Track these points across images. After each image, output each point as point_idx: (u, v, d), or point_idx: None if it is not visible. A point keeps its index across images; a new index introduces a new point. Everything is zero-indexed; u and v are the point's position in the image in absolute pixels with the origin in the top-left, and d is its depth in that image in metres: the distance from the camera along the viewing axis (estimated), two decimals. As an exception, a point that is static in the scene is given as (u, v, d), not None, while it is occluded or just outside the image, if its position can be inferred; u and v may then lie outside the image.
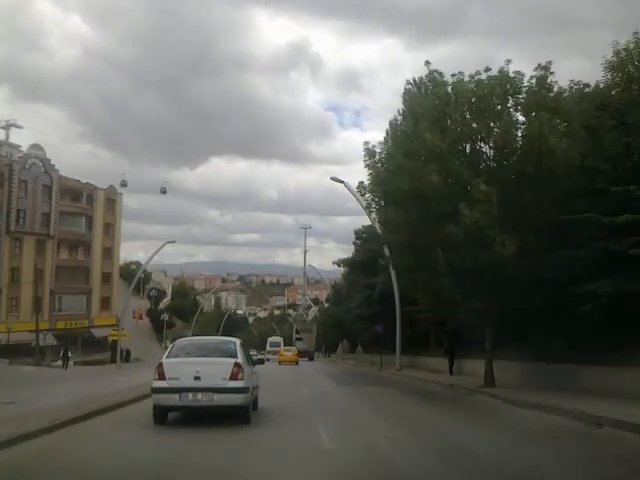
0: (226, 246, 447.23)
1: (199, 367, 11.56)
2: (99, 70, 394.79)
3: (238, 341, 13.59)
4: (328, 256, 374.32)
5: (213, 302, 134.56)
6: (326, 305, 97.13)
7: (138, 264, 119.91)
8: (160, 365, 11.82)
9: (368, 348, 56.16)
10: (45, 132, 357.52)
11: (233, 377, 11.56)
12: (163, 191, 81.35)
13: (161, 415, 11.86)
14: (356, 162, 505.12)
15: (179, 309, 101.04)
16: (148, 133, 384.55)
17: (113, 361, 53.07)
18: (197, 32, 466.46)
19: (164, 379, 11.56)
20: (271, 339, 78.54)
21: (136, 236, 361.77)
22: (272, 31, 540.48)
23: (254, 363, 14.96)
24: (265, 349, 73.10)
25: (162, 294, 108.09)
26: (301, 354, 69.80)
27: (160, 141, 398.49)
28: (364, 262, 49.55)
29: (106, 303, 77.06)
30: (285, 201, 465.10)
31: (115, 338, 51.93)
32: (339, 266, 61.43)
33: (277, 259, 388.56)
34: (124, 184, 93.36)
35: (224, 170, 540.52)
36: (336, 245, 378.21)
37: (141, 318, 74.69)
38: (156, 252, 54.35)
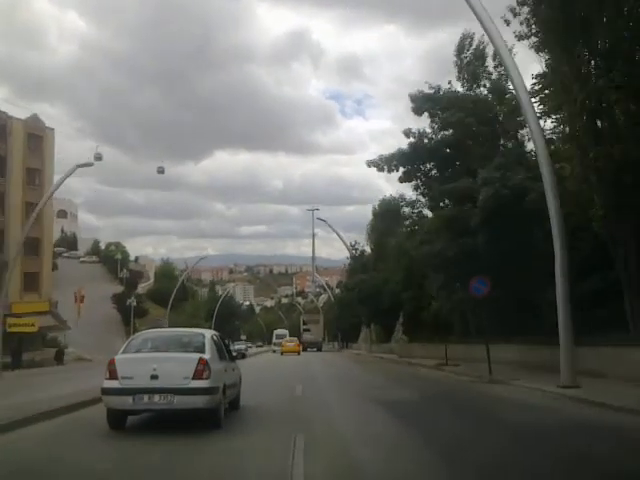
0: (234, 239, 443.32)
1: (157, 364, 9.86)
2: (99, 66, 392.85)
3: (210, 333, 11.84)
4: (336, 246, 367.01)
5: (208, 288, 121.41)
6: (336, 292, 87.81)
7: (119, 245, 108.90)
8: (111, 362, 10.13)
9: (422, 332, 36.28)
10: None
11: (197, 376, 9.81)
12: (160, 171, 72.23)
13: (116, 419, 10.17)
14: (360, 151, 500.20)
15: (162, 294, 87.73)
16: (150, 128, 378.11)
17: (58, 360, 40.49)
18: (197, 24, 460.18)
19: (116, 378, 9.89)
20: (277, 331, 78.94)
21: (144, 231, 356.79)
22: (272, 21, 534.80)
23: (234, 358, 13.17)
24: (272, 341, 74.17)
25: (137, 276, 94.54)
26: (309, 345, 70.56)
27: (163, 136, 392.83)
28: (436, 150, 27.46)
29: (32, 282, 54.85)
30: (291, 192, 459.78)
31: (15, 330, 37.10)
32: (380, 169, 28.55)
33: (285, 250, 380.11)
34: (98, 157, 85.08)
35: (229, 163, 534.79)
36: (344, 234, 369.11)
37: (82, 302, 59.30)
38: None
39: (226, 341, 14.50)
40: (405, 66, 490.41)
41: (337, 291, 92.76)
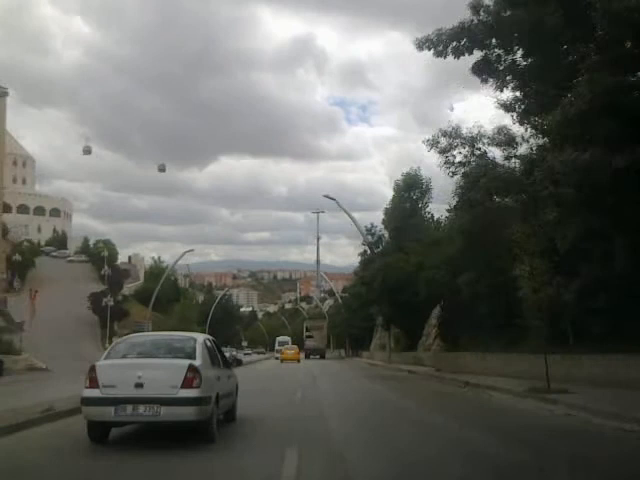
0: (238, 245, 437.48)
1: (142, 371, 8.73)
2: (103, 71, 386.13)
3: (202, 337, 10.41)
4: (340, 253, 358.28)
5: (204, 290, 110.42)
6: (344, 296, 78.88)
7: (108, 242, 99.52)
8: (92, 369, 8.92)
9: (473, 336, 26.13)
10: (50, 135, 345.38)
11: (186, 384, 8.68)
12: (162, 169, 71.35)
13: (98, 431, 9.06)
14: (365, 157, 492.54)
15: (151, 296, 78.28)
16: (155, 134, 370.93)
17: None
18: (202, 30, 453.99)
19: (96, 387, 8.76)
20: (279, 339, 77.23)
21: (148, 237, 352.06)
22: (277, 27, 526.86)
23: (229, 365, 11.87)
24: (274, 348, 72.78)
25: (123, 275, 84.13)
26: (311, 352, 69.54)
27: (167, 142, 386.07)
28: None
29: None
30: (295, 198, 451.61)
31: None
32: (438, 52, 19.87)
33: (289, 256, 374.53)
34: (87, 150, 77.93)
35: (233, 169, 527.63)
36: (348, 241, 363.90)
37: (33, 298, 49.38)
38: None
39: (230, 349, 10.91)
40: (410, 72, 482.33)
41: (345, 295, 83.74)
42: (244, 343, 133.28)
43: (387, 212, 40.85)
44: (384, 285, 34.06)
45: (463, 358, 25.70)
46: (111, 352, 9.71)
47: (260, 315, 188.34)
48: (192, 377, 8.71)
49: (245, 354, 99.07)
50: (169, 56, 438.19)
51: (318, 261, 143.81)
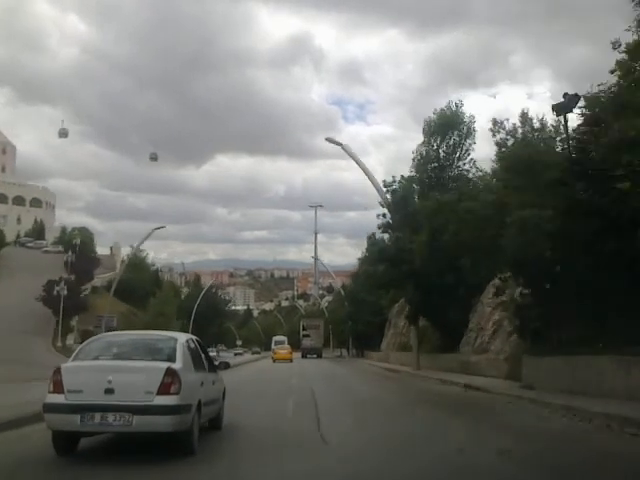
0: (235, 244, 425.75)
1: (113, 375, 7.55)
2: (99, 69, 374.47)
3: (184, 337, 9.17)
4: (337, 251, 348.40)
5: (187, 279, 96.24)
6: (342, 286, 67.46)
7: (84, 230, 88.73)
8: (57, 371, 7.79)
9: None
10: (48, 133, 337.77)
11: (163, 390, 7.54)
12: (153, 157, 66.74)
13: (64, 442, 7.89)
14: (362, 156, 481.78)
15: (127, 288, 66.88)
16: (151, 132, 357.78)
17: None
18: (199, 28, 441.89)
19: (61, 392, 7.60)
20: (276, 338, 74.54)
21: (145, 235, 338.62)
22: (274, 25, 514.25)
23: (215, 368, 10.47)
24: (271, 348, 70.40)
25: (92, 263, 72.37)
26: (308, 351, 67.77)
27: (164, 140, 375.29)
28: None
29: None
30: (293, 197, 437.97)
31: None
32: None
33: (287, 255, 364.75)
34: (64, 133, 73.28)
35: (230, 167, 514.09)
36: (346, 240, 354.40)
37: None
38: None
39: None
40: (407, 71, 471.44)
41: (346, 288, 73.24)
42: (238, 342, 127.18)
43: (414, 162, 29.55)
44: (429, 253, 22.16)
45: (573, 365, 14.17)
46: (80, 353, 8.43)
47: (256, 313, 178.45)
48: (170, 382, 7.57)
49: (236, 354, 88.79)
50: (165, 54, 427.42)
51: (316, 257, 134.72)
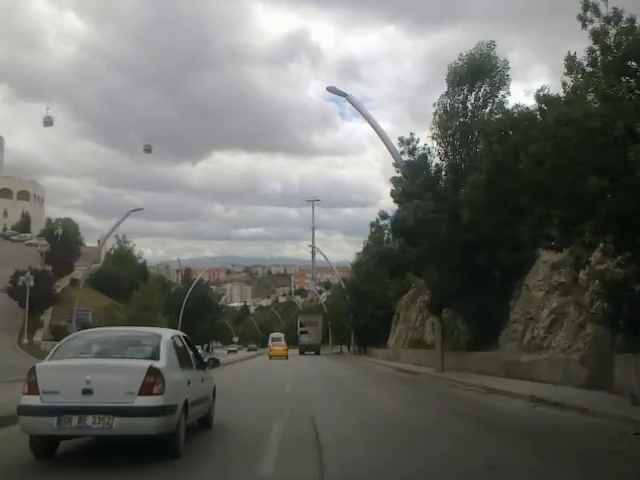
0: (232, 241, 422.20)
1: (92, 374, 7.02)
2: (96, 67, 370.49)
3: (170, 333, 8.61)
4: (335, 248, 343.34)
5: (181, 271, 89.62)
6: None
7: (68, 221, 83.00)
8: (32, 371, 7.25)
9: None
10: (46, 130, 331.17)
11: (145, 390, 7.01)
12: (147, 149, 63.01)
13: (42, 445, 7.33)
14: (359, 153, 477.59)
15: (111, 281, 61.44)
16: (148, 129, 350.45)
17: None
18: (195, 25, 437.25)
19: (36, 393, 7.06)
20: (273, 335, 70.46)
21: (142, 233, 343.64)
22: (270, 22, 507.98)
23: (204, 365, 9.90)
24: (268, 345, 64.98)
25: (71, 253, 66.39)
26: (306, 348, 66.32)
27: (161, 137, 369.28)
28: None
29: None
30: (290, 194, 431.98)
31: None
32: None
33: (284, 252, 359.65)
34: (49, 121, 69.19)
35: (227, 164, 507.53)
36: (343, 237, 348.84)
37: None
38: None
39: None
40: (404, 68, 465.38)
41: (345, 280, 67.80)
42: (235, 339, 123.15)
43: (435, 118, 23.78)
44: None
45: None
46: (57, 351, 7.90)
47: (253, 310, 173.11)
48: (152, 382, 7.06)
49: (230, 351, 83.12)
50: (163, 52, 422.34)
51: (313, 252, 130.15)
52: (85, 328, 13.31)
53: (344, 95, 23.31)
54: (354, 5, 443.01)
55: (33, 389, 7.02)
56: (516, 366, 17.32)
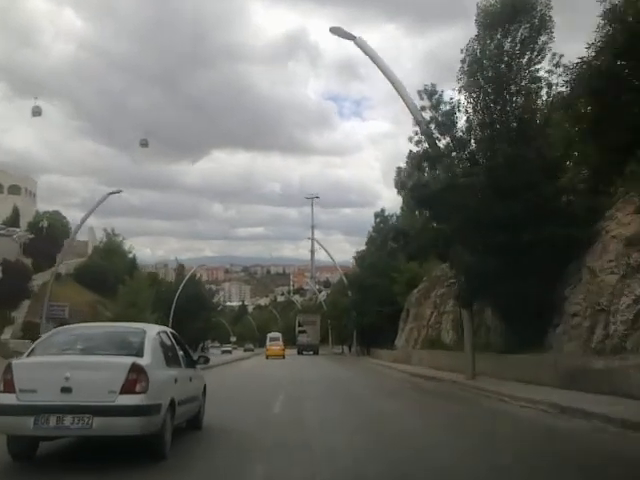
0: (231, 240, 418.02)
1: (72, 372, 6.59)
2: (95, 65, 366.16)
3: (156, 329, 8.23)
4: (334, 248, 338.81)
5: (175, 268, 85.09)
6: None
7: (55, 214, 78.65)
8: (8, 368, 6.84)
9: None
10: (45, 129, 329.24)
11: (127, 388, 6.59)
12: (144, 144, 59.12)
13: (21, 446, 6.97)
14: (358, 152, 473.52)
15: (97, 275, 56.97)
16: (147, 128, 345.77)
17: None
18: (194, 23, 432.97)
19: (12, 391, 6.66)
20: (271, 335, 66.87)
21: (141, 232, 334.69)
22: (269, 21, 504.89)
23: (194, 363, 9.44)
24: (265, 345, 64.02)
25: (54, 247, 61.64)
26: (304, 348, 65.55)
27: (160, 136, 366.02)
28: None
29: None
30: (288, 194, 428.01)
31: None
32: None
33: (283, 252, 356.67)
34: (37, 111, 66.50)
35: (226, 163, 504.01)
36: (343, 237, 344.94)
37: None
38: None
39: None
40: (404, 67, 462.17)
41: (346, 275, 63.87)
42: (232, 338, 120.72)
43: (463, 67, 19.07)
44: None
45: None
46: (36, 348, 7.51)
47: (251, 309, 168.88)
48: (135, 379, 6.64)
49: (224, 351, 78.46)
50: (162, 50, 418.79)
51: (312, 249, 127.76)
52: (61, 325, 12.39)
53: (352, 38, 18.81)
54: (354, 4, 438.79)
55: (9, 387, 6.65)
56: (584, 374, 12.69)
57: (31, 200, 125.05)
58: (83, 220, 36.37)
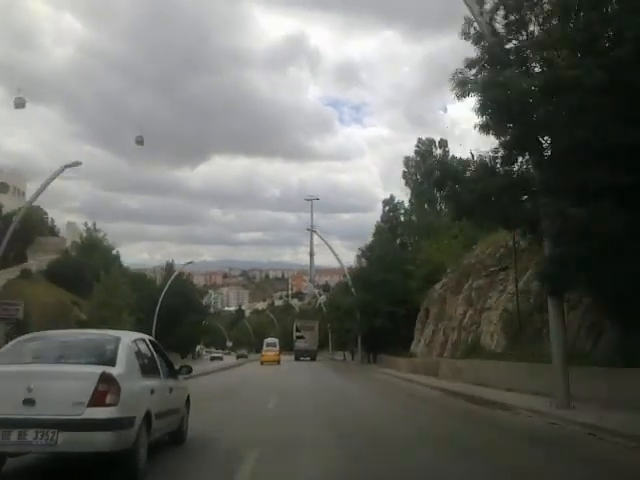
0: (230, 245, 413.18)
1: (35, 382, 5.96)
2: (94, 68, 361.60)
3: (132, 336, 7.48)
4: (332, 254, 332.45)
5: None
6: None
7: (35, 209, 72.28)
8: None
9: None
10: (42, 132, 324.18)
11: (96, 401, 5.90)
12: (139, 141, 51.94)
13: None
14: (358, 158, 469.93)
15: (73, 272, 50.45)
16: (146, 132, 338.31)
17: None
18: (194, 28, 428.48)
19: None
20: (267, 340, 65.90)
21: (140, 237, 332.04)
22: (269, 26, 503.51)
23: (177, 373, 8.71)
24: (262, 350, 61.34)
25: (24, 242, 55.36)
26: (302, 354, 64.46)
27: (159, 140, 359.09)
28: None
29: None
30: (288, 199, 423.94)
31: None
32: None
33: (282, 257, 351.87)
34: (20, 103, 59.26)
35: (226, 168, 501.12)
36: (341, 242, 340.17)
37: None
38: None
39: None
40: (403, 73, 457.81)
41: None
42: (229, 343, 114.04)
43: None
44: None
45: None
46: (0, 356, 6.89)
47: (248, 313, 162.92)
48: (105, 390, 5.94)
49: (213, 358, 71.93)
50: (161, 54, 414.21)
51: (311, 250, 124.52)
52: (17, 326, 11.11)
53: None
54: (353, 10, 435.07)
55: None
56: None
57: (19, 199, 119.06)
58: (41, 189, 29.58)
